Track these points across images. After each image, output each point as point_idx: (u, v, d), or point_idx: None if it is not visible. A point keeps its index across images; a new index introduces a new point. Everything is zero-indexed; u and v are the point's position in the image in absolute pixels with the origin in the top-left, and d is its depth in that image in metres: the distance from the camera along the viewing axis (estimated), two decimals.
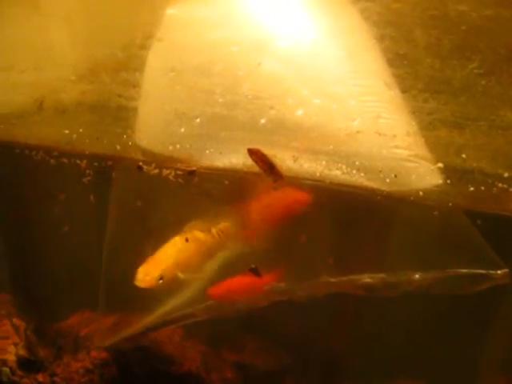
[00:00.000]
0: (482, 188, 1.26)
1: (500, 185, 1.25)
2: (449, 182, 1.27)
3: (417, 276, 1.44)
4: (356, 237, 1.47)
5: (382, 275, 1.45)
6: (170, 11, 1.43)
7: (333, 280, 1.47)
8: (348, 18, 1.35)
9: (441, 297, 1.51)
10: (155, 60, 1.45)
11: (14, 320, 1.90)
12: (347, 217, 1.45)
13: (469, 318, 1.70)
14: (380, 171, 1.30)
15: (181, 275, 1.51)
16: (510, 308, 1.66)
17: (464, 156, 1.26)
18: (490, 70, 1.21)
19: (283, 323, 1.84)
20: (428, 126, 1.26)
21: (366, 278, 1.46)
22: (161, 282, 1.50)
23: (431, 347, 1.73)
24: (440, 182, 1.28)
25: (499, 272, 1.39)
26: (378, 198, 1.32)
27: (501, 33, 1.20)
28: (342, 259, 1.49)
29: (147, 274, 1.48)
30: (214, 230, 1.48)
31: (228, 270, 1.51)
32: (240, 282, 1.54)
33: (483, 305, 1.60)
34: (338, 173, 1.33)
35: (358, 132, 1.30)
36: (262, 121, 1.35)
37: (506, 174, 1.25)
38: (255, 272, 1.47)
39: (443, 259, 1.41)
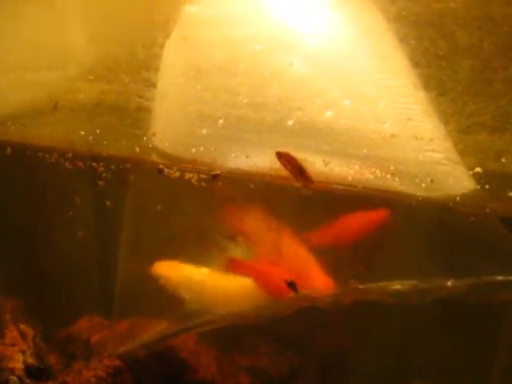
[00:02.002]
0: None
1: None
2: (487, 187, 1.24)
3: (449, 283, 1.40)
4: (388, 242, 1.43)
5: (413, 282, 1.41)
6: (191, 8, 1.38)
7: (361, 287, 1.43)
8: (377, 18, 1.31)
9: (460, 303, 1.48)
10: (176, 59, 1.39)
11: (21, 326, 1.84)
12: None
13: (483, 324, 1.68)
14: (416, 176, 1.26)
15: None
16: None
17: (504, 160, 1.23)
18: None
19: (296, 326, 1.81)
20: (467, 129, 1.23)
21: (397, 285, 1.42)
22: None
23: (446, 353, 1.71)
24: (477, 187, 1.25)
25: None
26: (413, 203, 1.28)
27: None
28: (373, 265, 1.45)
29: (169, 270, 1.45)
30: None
31: None
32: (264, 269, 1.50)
33: (497, 310, 1.58)
34: (371, 177, 1.29)
35: (392, 135, 1.26)
36: (291, 123, 1.30)
37: None
38: (291, 286, 1.42)
39: (477, 266, 1.37)
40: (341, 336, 1.92)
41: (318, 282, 1.44)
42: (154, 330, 1.66)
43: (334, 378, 1.93)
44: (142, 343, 1.68)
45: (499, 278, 1.37)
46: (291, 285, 1.44)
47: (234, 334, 1.86)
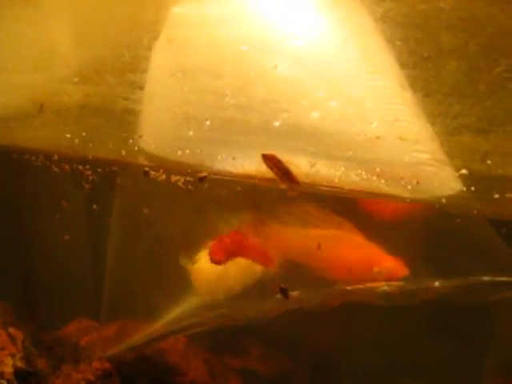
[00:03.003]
0: (508, 195, 1.22)
1: None
2: (473, 188, 1.23)
3: (437, 284, 1.39)
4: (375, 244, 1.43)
5: (400, 283, 1.41)
6: (177, 10, 1.37)
7: (349, 288, 1.43)
8: (363, 19, 1.30)
9: (448, 303, 1.48)
10: (162, 60, 1.39)
11: (11, 330, 1.83)
12: (366, 224, 1.41)
13: (476, 322, 1.68)
14: (401, 178, 1.25)
15: None
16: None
17: (489, 162, 1.22)
18: None
19: (286, 328, 1.81)
20: (452, 131, 1.22)
21: (384, 286, 1.41)
22: None
23: (434, 353, 1.71)
24: (463, 188, 1.24)
25: None
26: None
27: None
28: None
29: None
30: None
31: None
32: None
33: (491, 309, 1.58)
34: (356, 179, 1.28)
35: (377, 137, 1.25)
36: (277, 124, 1.29)
37: None
38: (284, 293, 1.41)
39: (465, 267, 1.37)
40: (332, 337, 1.92)
41: (392, 266, 1.41)
42: (142, 333, 1.65)
43: (326, 380, 1.93)
44: (131, 346, 1.67)
45: (486, 278, 1.36)
46: (283, 291, 1.44)
47: (225, 336, 1.86)
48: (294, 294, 1.47)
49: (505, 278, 1.36)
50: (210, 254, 1.46)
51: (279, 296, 1.45)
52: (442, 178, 1.25)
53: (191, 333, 1.62)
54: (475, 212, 1.26)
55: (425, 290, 1.40)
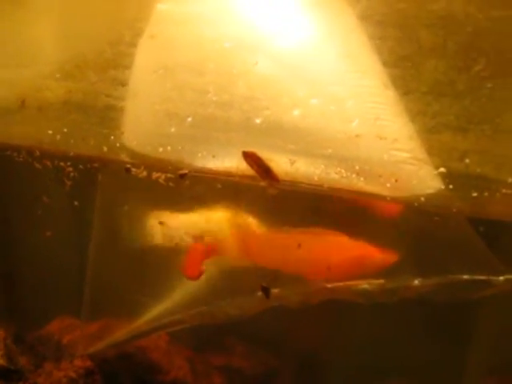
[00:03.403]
0: (486, 194, 1.23)
1: (504, 190, 1.22)
2: (451, 187, 1.23)
3: (416, 282, 1.40)
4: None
5: (380, 281, 1.41)
6: (159, 6, 1.37)
7: (329, 286, 1.43)
8: (346, 17, 1.31)
9: (430, 301, 1.49)
10: (144, 57, 1.39)
11: None
12: (344, 222, 1.41)
13: (457, 320, 1.69)
14: (380, 176, 1.26)
15: None
16: (499, 309, 1.65)
17: (467, 161, 1.22)
18: (496, 73, 1.18)
19: (269, 326, 1.81)
20: (431, 129, 1.23)
21: (364, 284, 1.42)
22: None
23: (421, 349, 1.72)
24: (442, 187, 1.25)
25: (501, 278, 1.37)
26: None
27: (508, 35, 1.17)
28: None
29: None
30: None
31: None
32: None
33: (471, 307, 1.59)
34: (336, 177, 1.28)
35: (357, 136, 1.26)
36: (258, 122, 1.30)
37: (510, 180, 1.22)
38: (265, 291, 1.42)
39: (444, 265, 1.38)
40: (314, 335, 1.92)
41: (381, 255, 1.41)
42: (123, 331, 1.65)
43: (308, 376, 1.93)
44: (112, 343, 1.67)
45: (465, 276, 1.37)
46: (264, 289, 1.44)
47: (208, 334, 1.86)
48: (274, 291, 1.48)
49: (482, 277, 1.37)
50: (184, 270, 1.48)
51: (260, 294, 1.45)
52: (420, 177, 1.26)
53: (172, 330, 1.62)
54: (454, 210, 1.27)
55: (404, 288, 1.41)
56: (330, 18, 1.33)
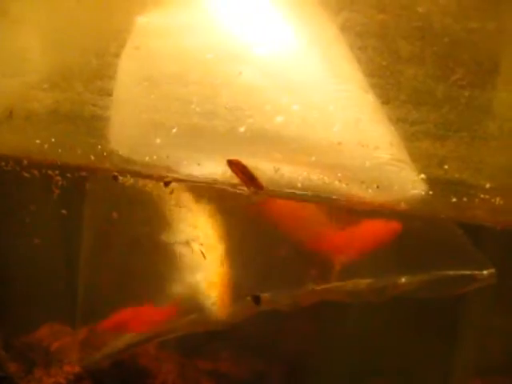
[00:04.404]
0: (465, 199, 1.26)
1: (482, 195, 1.25)
2: (431, 193, 1.27)
3: (403, 280, 1.43)
4: None
5: (367, 281, 1.44)
6: (143, 19, 1.39)
7: (318, 288, 1.46)
8: (327, 27, 1.34)
9: (415, 300, 1.52)
10: (129, 68, 1.41)
11: None
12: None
13: (442, 320, 1.71)
14: (362, 182, 1.29)
15: None
16: (485, 309, 1.68)
17: (446, 167, 1.26)
18: (473, 82, 1.21)
19: (257, 330, 1.83)
20: (411, 137, 1.26)
21: (352, 285, 1.45)
22: None
23: (406, 349, 1.74)
24: (422, 193, 1.28)
25: (485, 272, 1.40)
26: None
27: (484, 45, 1.20)
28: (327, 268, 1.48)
29: None
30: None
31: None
32: (135, 313, 1.54)
33: (456, 306, 1.62)
34: (319, 183, 1.31)
35: (339, 143, 1.29)
36: (242, 131, 1.32)
37: (487, 185, 1.25)
38: (256, 300, 1.44)
39: (429, 262, 1.41)
40: (303, 339, 1.94)
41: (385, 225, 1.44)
42: (116, 340, 1.66)
43: (297, 381, 1.95)
44: (107, 354, 1.68)
45: (450, 272, 1.40)
46: (255, 299, 1.47)
47: (196, 339, 1.87)
48: (265, 295, 1.50)
49: (467, 272, 1.40)
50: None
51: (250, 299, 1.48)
52: (401, 183, 1.29)
53: (165, 339, 1.64)
54: (435, 214, 1.30)
55: (392, 286, 1.44)
56: (311, 27, 1.35)
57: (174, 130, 1.36)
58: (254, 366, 1.96)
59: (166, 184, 1.37)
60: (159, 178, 1.38)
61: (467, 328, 1.74)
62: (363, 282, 1.47)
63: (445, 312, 1.66)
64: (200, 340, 1.90)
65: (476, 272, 1.42)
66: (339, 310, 1.70)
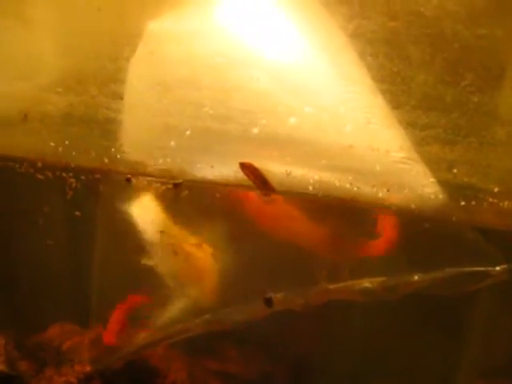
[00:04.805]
0: (473, 203, 1.28)
1: (490, 199, 1.28)
2: (440, 196, 1.29)
3: (416, 277, 1.44)
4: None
5: (381, 279, 1.45)
6: (156, 24, 1.42)
7: (331, 287, 1.47)
8: (337, 33, 1.36)
9: (418, 301, 1.53)
10: (141, 73, 1.43)
11: None
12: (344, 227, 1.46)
13: (446, 320, 1.73)
14: (373, 186, 1.31)
15: None
16: (489, 309, 1.69)
17: (455, 171, 1.28)
18: (482, 88, 1.24)
19: (264, 330, 1.84)
20: (420, 141, 1.28)
21: (366, 283, 1.45)
22: None
23: (409, 350, 1.75)
24: (431, 196, 1.30)
25: (498, 268, 1.39)
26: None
27: (493, 51, 1.22)
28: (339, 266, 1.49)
29: None
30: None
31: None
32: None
33: (459, 307, 1.63)
34: (330, 186, 1.33)
35: (350, 146, 1.31)
36: (254, 134, 1.35)
37: (496, 189, 1.27)
38: (268, 303, 1.46)
39: (441, 259, 1.42)
40: (312, 339, 1.95)
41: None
42: (128, 341, 1.68)
43: (306, 382, 1.96)
44: (119, 356, 1.70)
45: (463, 269, 1.40)
46: (268, 301, 1.48)
47: (205, 339, 1.88)
48: (278, 296, 1.51)
49: (480, 268, 1.40)
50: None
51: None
52: (411, 187, 1.31)
53: (177, 339, 1.65)
54: (444, 218, 1.32)
55: (404, 284, 1.44)
56: (322, 33, 1.38)
57: (188, 134, 1.38)
58: (263, 366, 1.98)
59: (176, 186, 1.40)
60: (171, 181, 1.40)
61: (472, 329, 1.75)
62: (376, 280, 1.47)
63: (450, 312, 1.67)
64: (207, 340, 1.91)
65: (489, 268, 1.41)
66: (348, 310, 1.71)
